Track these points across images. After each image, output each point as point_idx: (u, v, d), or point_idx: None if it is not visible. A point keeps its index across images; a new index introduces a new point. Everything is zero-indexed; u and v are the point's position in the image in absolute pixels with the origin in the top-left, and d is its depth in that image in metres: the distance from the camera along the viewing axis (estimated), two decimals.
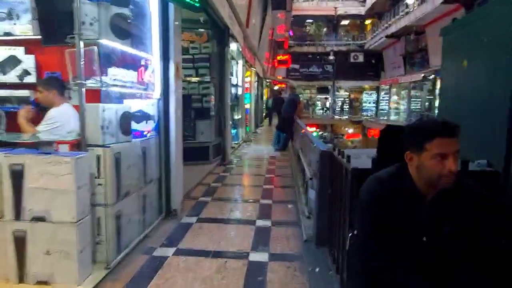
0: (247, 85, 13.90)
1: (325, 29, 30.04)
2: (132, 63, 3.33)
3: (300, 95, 31.34)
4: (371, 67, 28.20)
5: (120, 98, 3.23)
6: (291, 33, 25.13)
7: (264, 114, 20.11)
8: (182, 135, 7.20)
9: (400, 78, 21.51)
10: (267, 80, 22.37)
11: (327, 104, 29.19)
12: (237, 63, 10.56)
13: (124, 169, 2.86)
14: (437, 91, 18.15)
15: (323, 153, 2.94)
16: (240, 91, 11.27)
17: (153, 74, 3.60)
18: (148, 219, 3.48)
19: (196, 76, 7.31)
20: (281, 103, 18.22)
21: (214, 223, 3.79)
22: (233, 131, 10.35)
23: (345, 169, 2.29)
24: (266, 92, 25.50)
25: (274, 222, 3.85)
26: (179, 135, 4.04)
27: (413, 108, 21.97)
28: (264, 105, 19.38)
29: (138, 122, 3.38)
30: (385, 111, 28.31)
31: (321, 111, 29.77)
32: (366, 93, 30.06)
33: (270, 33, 20.11)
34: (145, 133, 3.52)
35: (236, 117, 10.49)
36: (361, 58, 27.68)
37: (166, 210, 3.89)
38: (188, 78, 7.24)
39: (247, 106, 14.00)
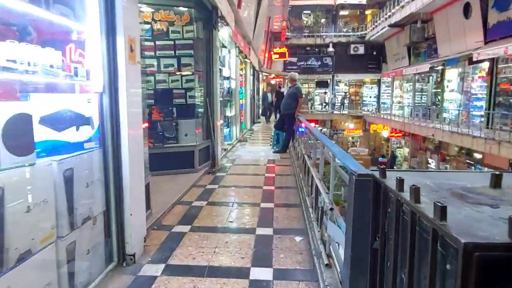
0: (241, 79, 12.68)
1: (323, 20, 28.73)
2: (50, 37, 2.10)
3: None
4: (372, 59, 26.95)
5: (24, 92, 1.97)
6: (288, 24, 23.82)
7: (260, 110, 18.75)
8: (162, 138, 6.05)
9: (405, 69, 20.29)
10: (264, 74, 21.09)
11: (326, 99, 27.93)
12: (229, 52, 9.30)
13: (12, 215, 1.63)
14: (446, 83, 17.00)
15: (362, 183, 1.71)
16: (233, 85, 10.03)
17: (89, 55, 2.35)
18: (84, 277, 2.25)
19: (179, 67, 6.06)
20: (281, 98, 17.24)
21: (188, 276, 2.56)
22: (226, 130, 9.13)
23: (433, 233, 1.06)
24: (262, 87, 24.24)
25: (277, 272, 2.63)
26: (135, 145, 2.77)
27: (418, 102, 20.79)
28: (261, 100, 18.02)
29: (61, 129, 2.13)
30: (386, 105, 27.12)
31: (320, 106, 28.51)
32: (366, 86, 28.83)
33: (266, 24, 18.84)
34: (85, 146, 2.30)
35: (229, 114, 9.26)
36: (361, 50, 26.40)
37: (119, 255, 2.66)
38: (165, 69, 6.00)
39: (242, 101, 12.77)
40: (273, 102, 16.89)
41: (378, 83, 28.14)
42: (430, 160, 18.32)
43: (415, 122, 17.27)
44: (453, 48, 15.37)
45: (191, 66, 6.02)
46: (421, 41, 19.08)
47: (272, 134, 9.16)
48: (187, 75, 6.03)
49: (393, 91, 25.17)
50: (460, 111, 15.17)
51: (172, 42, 6.01)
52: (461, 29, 14.40)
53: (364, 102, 28.82)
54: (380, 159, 22.27)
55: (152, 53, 5.96)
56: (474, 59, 12.61)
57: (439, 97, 17.52)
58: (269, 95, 17.44)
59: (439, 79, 17.59)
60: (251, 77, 15.79)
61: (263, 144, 10.03)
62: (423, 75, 19.54)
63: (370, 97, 28.72)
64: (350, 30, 27.09)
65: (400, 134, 21.79)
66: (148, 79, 5.98)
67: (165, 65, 6.02)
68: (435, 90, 18.35)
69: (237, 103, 10.26)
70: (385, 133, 25.61)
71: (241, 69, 12.81)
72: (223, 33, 8.19)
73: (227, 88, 9.28)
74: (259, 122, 17.76)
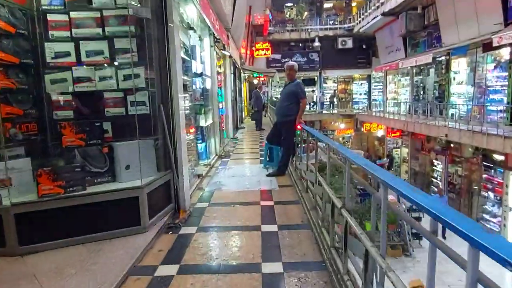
0: (220, 78, 10.31)
1: (306, 13, 26.63)
2: None
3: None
4: (361, 54, 25.04)
5: None
6: (270, 16, 21.58)
7: (252, 113, 16.17)
8: (82, 176, 3.16)
9: (401, 62, 18.33)
10: (246, 73, 18.77)
11: (314, 98, 25.85)
12: (201, 40, 6.95)
13: None
14: (452, 75, 15.07)
15: None
16: (209, 84, 7.67)
17: None
18: None
19: (112, 55, 3.67)
20: (259, 102, 14.85)
21: None
22: (201, 145, 6.77)
23: None
24: (244, 87, 21.90)
25: None
26: None
27: (416, 97, 18.86)
28: (252, 101, 15.25)
29: None
30: (378, 102, 25.23)
31: (308, 105, 26.38)
32: (356, 83, 26.90)
33: (247, 16, 16.52)
34: None
35: (204, 123, 6.88)
36: (350, 44, 24.43)
37: None
38: (89, 60, 3.61)
39: (221, 105, 10.40)
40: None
41: (368, 79, 26.25)
42: (435, 162, 16.38)
43: (419, 120, 15.28)
44: (461, 34, 13.42)
45: (133, 53, 3.64)
46: (419, 30, 17.16)
47: (263, 148, 6.85)
48: (126, 66, 3.66)
49: (386, 86, 23.25)
50: (472, 106, 13.23)
51: (98, 14, 3.62)
52: (472, 11, 12.45)
53: (354, 100, 26.87)
54: (378, 161, 20.26)
55: (66, 33, 3.56)
56: (495, 44, 10.61)
57: (444, 91, 15.59)
58: (261, 95, 14.88)
59: (443, 71, 15.67)
60: (232, 75, 13.43)
61: (251, 159, 7.71)
62: (422, 67, 17.63)
63: (360, 94, 26.82)
64: (337, 23, 25.05)
65: (398, 134, 19.86)
66: (56, 76, 3.59)
67: (87, 53, 3.62)
68: (438, 84, 16.43)
69: (215, 108, 7.90)
70: (380, 133, 23.71)
71: (219, 66, 10.46)
72: (190, 12, 5.84)
73: (200, 89, 6.93)
74: (243, 128, 15.41)
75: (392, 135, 20.07)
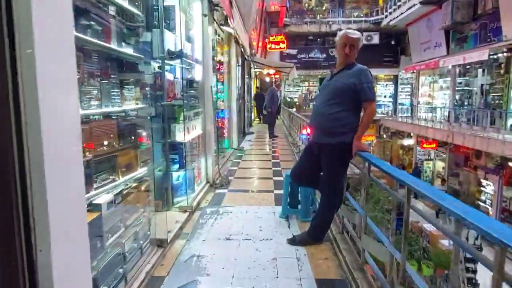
0: (222, 69, 7.62)
1: (327, 5, 23.67)
2: None
3: (298, 88, 25.16)
4: (388, 51, 22.03)
5: None
6: (287, 4, 18.72)
7: (263, 115, 13.06)
8: None
9: (442, 60, 15.37)
10: (256, 67, 16.01)
11: None
12: (187, 3, 4.24)
13: None
14: None
15: None
16: (199, 74, 4.93)
17: None
18: None
19: None
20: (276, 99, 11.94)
21: None
22: (178, 174, 4.05)
23: None
24: (255, 85, 19.14)
25: None
26: None
27: (458, 101, 15.86)
28: (266, 101, 11.92)
29: None
30: (406, 106, 22.27)
31: None
32: (380, 84, 23.88)
33: (259, 2, 13.74)
34: None
35: (184, 136, 4.10)
36: (376, 39, 21.39)
37: None
38: None
39: (222, 105, 7.70)
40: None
41: (395, 79, 23.24)
42: (484, 182, 13.41)
43: (469, 131, 12.34)
44: None
45: None
46: (467, 21, 14.17)
47: (284, 182, 4.05)
48: None
49: (418, 89, 20.24)
50: None
51: None
52: None
53: (377, 103, 23.86)
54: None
55: None
56: None
57: (502, 96, 12.60)
58: (278, 93, 11.75)
59: (501, 71, 12.68)
60: (239, 68, 10.68)
61: (261, 192, 4.93)
62: (470, 66, 14.66)
63: (385, 96, 23.80)
64: (362, 15, 22.07)
65: (433, 145, 16.86)
66: None
67: None
68: (490, 87, 13.46)
69: (207, 109, 5.12)
70: (409, 142, 20.74)
71: (222, 53, 7.73)
72: None
73: (182, 81, 4.20)
74: (251, 133, 12.65)
75: (426, 145, 17.07)
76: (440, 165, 17.44)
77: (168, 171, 3.94)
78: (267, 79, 22.22)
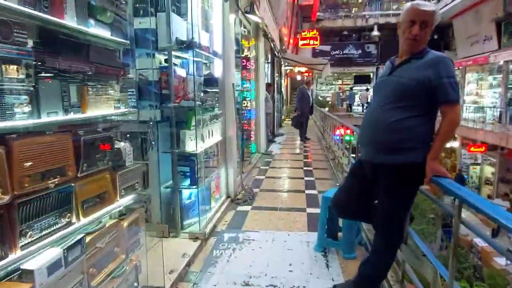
0: (249, 65, 6.86)
1: None
2: None
3: (331, 87, 23.91)
4: (431, 46, 20.22)
5: None
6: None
7: (292, 117, 11.87)
8: None
9: (494, 55, 13.83)
10: (287, 64, 15.15)
11: (369, 98, 21.63)
12: None
13: None
14: None
15: None
16: (218, 70, 4.17)
17: None
18: None
19: None
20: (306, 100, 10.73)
21: None
22: (189, 194, 3.31)
23: None
24: (286, 83, 18.28)
25: None
26: None
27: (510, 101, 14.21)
28: (296, 101, 10.63)
29: None
30: None
31: (360, 107, 22.19)
32: None
33: None
34: None
35: (197, 145, 3.36)
36: None
37: None
38: None
39: (249, 104, 6.94)
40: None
41: None
42: None
43: None
44: None
45: None
46: None
47: (320, 205, 3.21)
48: None
49: (463, 87, 18.57)
50: None
51: None
52: None
53: None
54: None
55: None
56: None
57: None
58: (308, 93, 10.47)
59: None
60: (268, 65, 9.88)
61: (293, 211, 4.11)
62: None
63: None
64: (401, 8, 20.59)
65: (482, 149, 15.26)
66: None
67: None
68: None
69: (228, 111, 4.35)
70: (452, 143, 19.07)
71: (249, 48, 6.95)
72: None
73: (199, 77, 3.46)
74: (281, 135, 11.80)
75: (474, 149, 15.48)
76: (488, 170, 15.81)
77: (176, 188, 3.21)
78: (298, 77, 21.28)
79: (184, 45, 3.10)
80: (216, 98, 4.06)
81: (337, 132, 8.98)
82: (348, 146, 5.82)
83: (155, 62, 3.16)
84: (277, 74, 13.01)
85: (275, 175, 6.14)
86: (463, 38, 17.38)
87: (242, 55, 6.41)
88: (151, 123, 2.92)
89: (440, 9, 17.11)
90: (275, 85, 11.82)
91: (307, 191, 5.00)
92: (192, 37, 3.17)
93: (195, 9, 3.48)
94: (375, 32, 20.19)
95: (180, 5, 3.34)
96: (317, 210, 3.49)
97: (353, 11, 20.87)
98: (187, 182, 3.30)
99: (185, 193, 3.33)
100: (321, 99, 22.11)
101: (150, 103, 3.04)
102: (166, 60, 3.15)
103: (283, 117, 15.99)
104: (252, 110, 7.23)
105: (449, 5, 16.21)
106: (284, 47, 11.80)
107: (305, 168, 6.60)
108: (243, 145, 6.07)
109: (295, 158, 7.84)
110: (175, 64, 3.33)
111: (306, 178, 5.80)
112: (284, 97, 16.84)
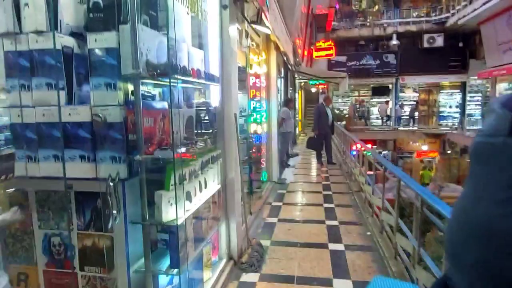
0: (259, 82, 5.93)
1: (380, 5, 21.29)
2: None
3: (347, 100, 22.75)
4: (455, 54, 19.11)
5: None
6: (336, 6, 16.68)
7: (308, 139, 10.65)
8: None
9: None
10: (301, 77, 14.18)
11: (388, 111, 20.44)
12: None
13: None
14: None
15: None
16: (215, 99, 3.21)
17: None
18: None
19: None
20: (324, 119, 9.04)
21: None
22: (170, 279, 2.29)
23: None
24: (300, 97, 17.30)
25: None
26: None
27: None
28: (314, 119, 9.37)
29: None
30: (474, 118, 19.27)
31: (379, 120, 20.98)
32: (444, 92, 20.98)
33: (303, 7, 11.98)
34: None
35: (184, 211, 2.38)
36: (439, 42, 18.70)
37: None
38: None
39: (259, 129, 5.97)
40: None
41: (462, 87, 20.23)
42: None
43: None
44: None
45: None
46: None
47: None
48: None
49: (494, 98, 17.24)
50: None
51: None
52: None
53: (441, 115, 20.93)
54: None
55: None
56: None
57: None
58: (328, 110, 9.26)
59: None
60: (281, 80, 8.92)
61: (318, 282, 3.08)
62: None
63: (450, 106, 20.82)
64: (422, 15, 19.45)
65: None
66: None
67: None
68: None
69: (231, 149, 3.38)
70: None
71: (258, 63, 5.99)
72: None
73: (189, 111, 2.50)
74: (297, 155, 10.75)
75: None
76: None
77: (150, 273, 2.22)
78: (313, 89, 20.25)
79: (158, 71, 2.14)
80: (212, 135, 3.09)
81: (353, 147, 7.98)
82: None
83: (119, 95, 2.21)
84: (291, 89, 12.04)
85: (289, 215, 5.09)
86: (493, 46, 16.10)
87: (251, 71, 5.46)
88: (111, 183, 1.99)
89: (468, 14, 16.00)
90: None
91: (331, 246, 3.94)
92: (171, 60, 2.21)
93: (181, 19, 2.55)
94: (394, 41, 19.07)
95: (157, 14, 2.40)
96: (348, 284, 2.44)
97: (369, 20, 19.80)
98: (165, 263, 2.31)
99: (162, 280, 2.34)
100: (337, 112, 21.01)
101: (112, 154, 2.10)
102: (132, 92, 2.21)
103: (297, 132, 14.97)
104: (263, 134, 6.26)
105: (478, 10, 15.03)
106: (298, 59, 10.85)
107: (325, 206, 5.54)
108: (251, 190, 5.07)
109: (313, 188, 6.79)
110: (149, 97, 2.39)
111: (328, 222, 4.74)
112: (298, 112, 15.83)
